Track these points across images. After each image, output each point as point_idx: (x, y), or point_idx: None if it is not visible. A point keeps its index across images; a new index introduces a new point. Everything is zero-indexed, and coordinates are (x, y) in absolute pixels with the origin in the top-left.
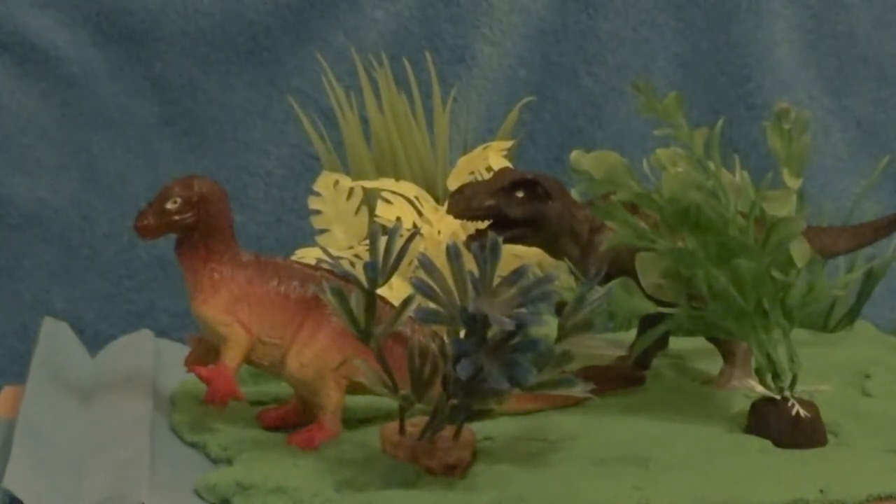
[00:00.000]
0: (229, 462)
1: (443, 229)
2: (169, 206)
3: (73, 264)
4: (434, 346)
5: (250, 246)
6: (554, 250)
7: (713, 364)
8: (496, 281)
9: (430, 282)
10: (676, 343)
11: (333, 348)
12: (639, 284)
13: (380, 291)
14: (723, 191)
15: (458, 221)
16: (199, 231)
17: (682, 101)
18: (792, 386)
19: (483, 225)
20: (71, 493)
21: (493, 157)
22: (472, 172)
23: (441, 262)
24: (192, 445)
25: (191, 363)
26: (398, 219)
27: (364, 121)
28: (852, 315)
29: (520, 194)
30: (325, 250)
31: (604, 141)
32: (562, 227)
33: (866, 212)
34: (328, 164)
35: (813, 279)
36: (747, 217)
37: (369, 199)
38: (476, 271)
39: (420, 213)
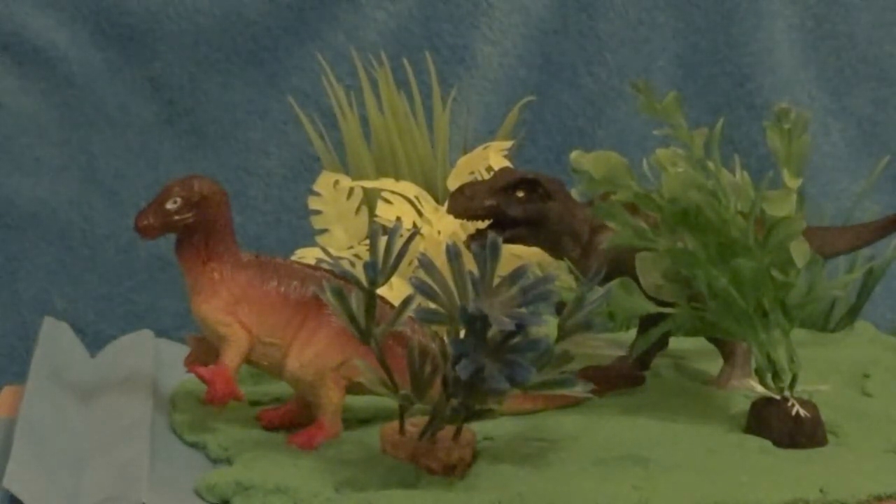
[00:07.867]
0: (229, 462)
1: (443, 229)
2: (169, 206)
3: (73, 264)
4: (434, 346)
5: (250, 246)
6: (554, 250)
7: (713, 364)
8: (496, 281)
9: (430, 282)
10: (676, 343)
11: (333, 348)
12: (639, 284)
13: (380, 291)
14: (723, 191)
15: (458, 221)
16: (199, 231)
17: (682, 101)
18: (792, 386)
19: (483, 225)
20: (71, 493)
21: (493, 157)
22: (472, 172)
23: (441, 262)
24: (192, 445)
25: (191, 363)
26: (398, 219)
27: (364, 121)
28: (852, 315)
29: (520, 194)
30: (325, 250)
31: (604, 141)
32: (562, 227)
33: (866, 212)
34: (328, 164)
35: (813, 279)
36: (747, 217)
37: (369, 199)
38: (476, 271)
39: (420, 213)
